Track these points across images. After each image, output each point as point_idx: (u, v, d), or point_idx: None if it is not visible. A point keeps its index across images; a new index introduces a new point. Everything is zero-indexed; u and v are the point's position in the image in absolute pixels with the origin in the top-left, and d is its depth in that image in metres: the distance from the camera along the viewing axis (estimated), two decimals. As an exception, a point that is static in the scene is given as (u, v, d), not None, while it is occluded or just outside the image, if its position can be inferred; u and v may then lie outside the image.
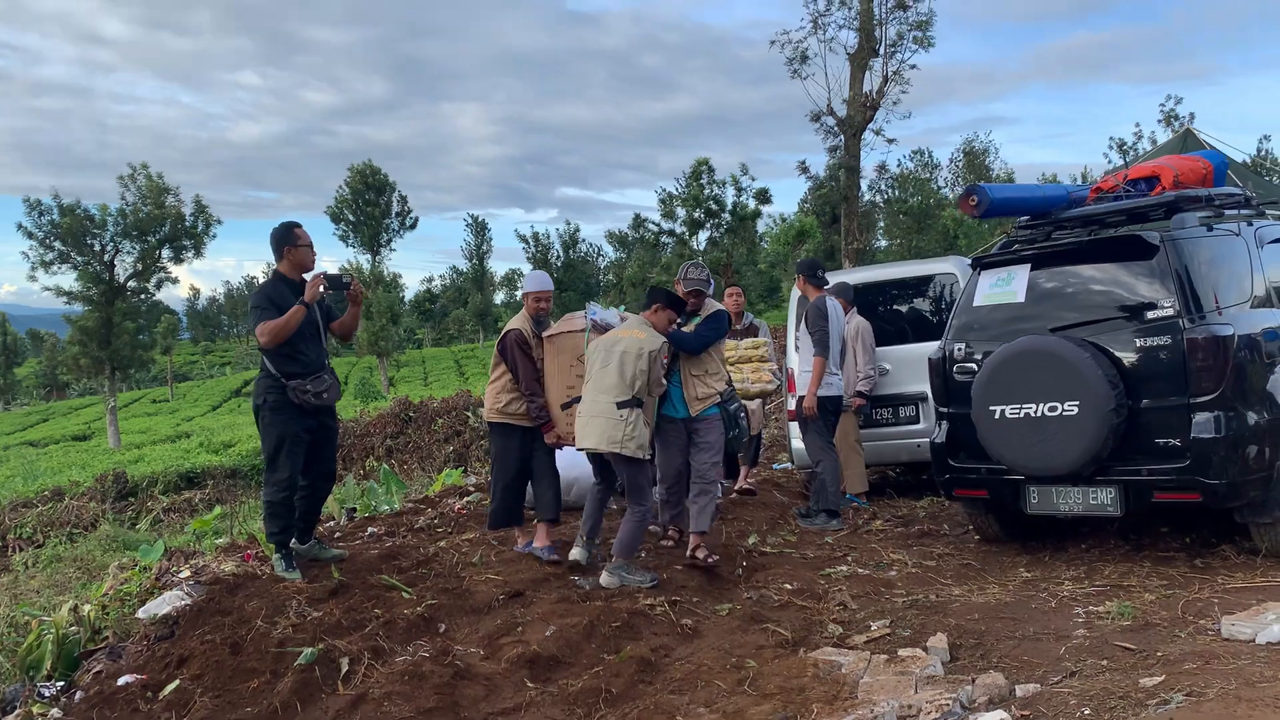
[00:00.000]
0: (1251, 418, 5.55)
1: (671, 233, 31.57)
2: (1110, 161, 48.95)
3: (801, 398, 7.88)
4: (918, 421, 8.72)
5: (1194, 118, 54.28)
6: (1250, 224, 6.47)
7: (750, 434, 8.20)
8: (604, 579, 5.91)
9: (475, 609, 5.55)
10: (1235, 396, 5.52)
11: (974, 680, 4.43)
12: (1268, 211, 6.90)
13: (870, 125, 21.55)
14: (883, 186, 54.51)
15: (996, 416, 5.97)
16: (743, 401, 6.97)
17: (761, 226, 38.76)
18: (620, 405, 5.82)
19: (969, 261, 7.41)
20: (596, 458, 6.15)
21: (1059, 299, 6.13)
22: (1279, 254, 6.62)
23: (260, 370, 5.86)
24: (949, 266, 9.24)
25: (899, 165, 51.75)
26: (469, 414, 19.00)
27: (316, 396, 5.78)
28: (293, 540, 6.01)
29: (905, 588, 6.09)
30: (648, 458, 6.02)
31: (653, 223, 31.43)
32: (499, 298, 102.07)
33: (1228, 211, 6.48)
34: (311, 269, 6.13)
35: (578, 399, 6.11)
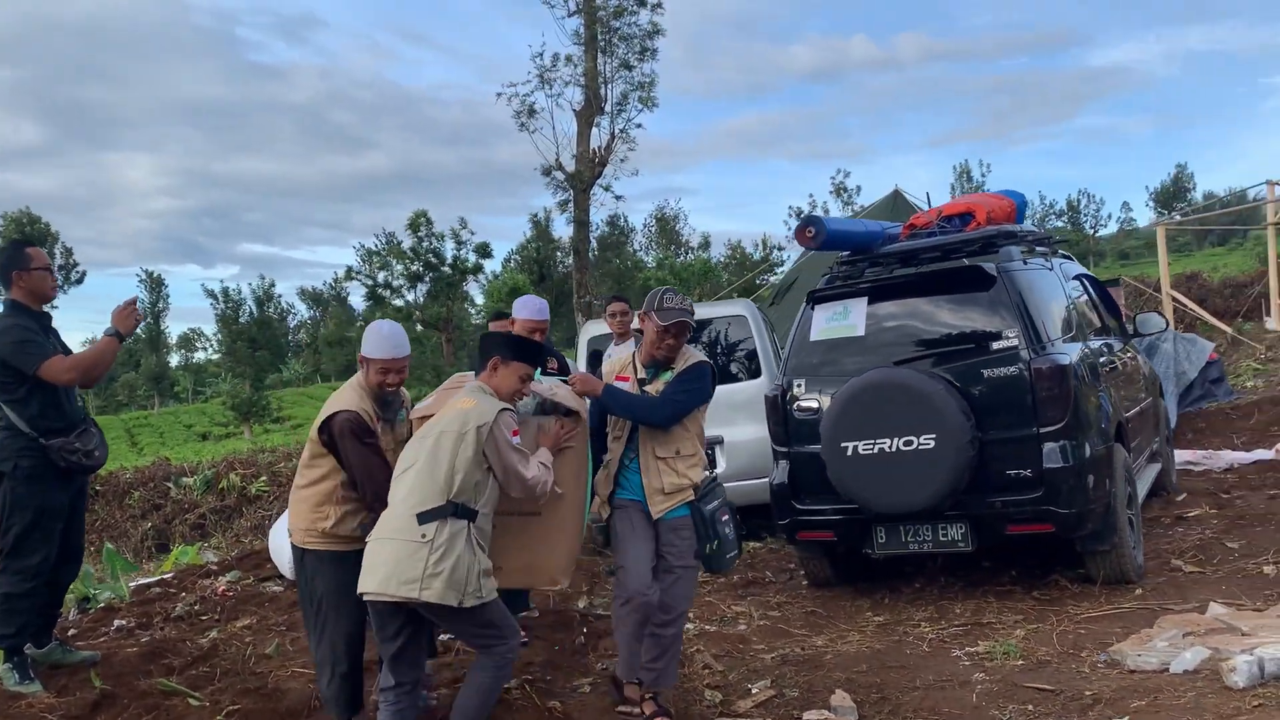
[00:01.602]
0: (1089, 447, 5.62)
1: (388, 285, 30.19)
2: (790, 229, 52.83)
3: None
4: (713, 467, 8.40)
5: (860, 189, 59.92)
6: (1052, 259, 6.72)
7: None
8: None
9: (292, 711, 4.47)
10: (1077, 426, 5.58)
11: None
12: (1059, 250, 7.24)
13: (599, 181, 21.73)
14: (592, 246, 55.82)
15: (849, 453, 5.70)
16: (726, 500, 4.54)
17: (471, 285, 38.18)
18: (423, 518, 3.58)
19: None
20: (392, 611, 3.69)
21: (899, 331, 6.01)
22: (1076, 289, 6.94)
23: (0, 428, 4.50)
24: (738, 309, 9.10)
25: (595, 230, 53.22)
26: (170, 485, 16.82)
27: (87, 456, 4.53)
28: (27, 645, 4.64)
29: (764, 641, 5.66)
30: (481, 601, 3.65)
31: (366, 276, 29.89)
32: (174, 360, 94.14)
33: (1037, 248, 6.69)
34: (53, 297, 4.86)
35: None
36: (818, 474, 5.94)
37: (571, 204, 21.55)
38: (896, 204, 17.86)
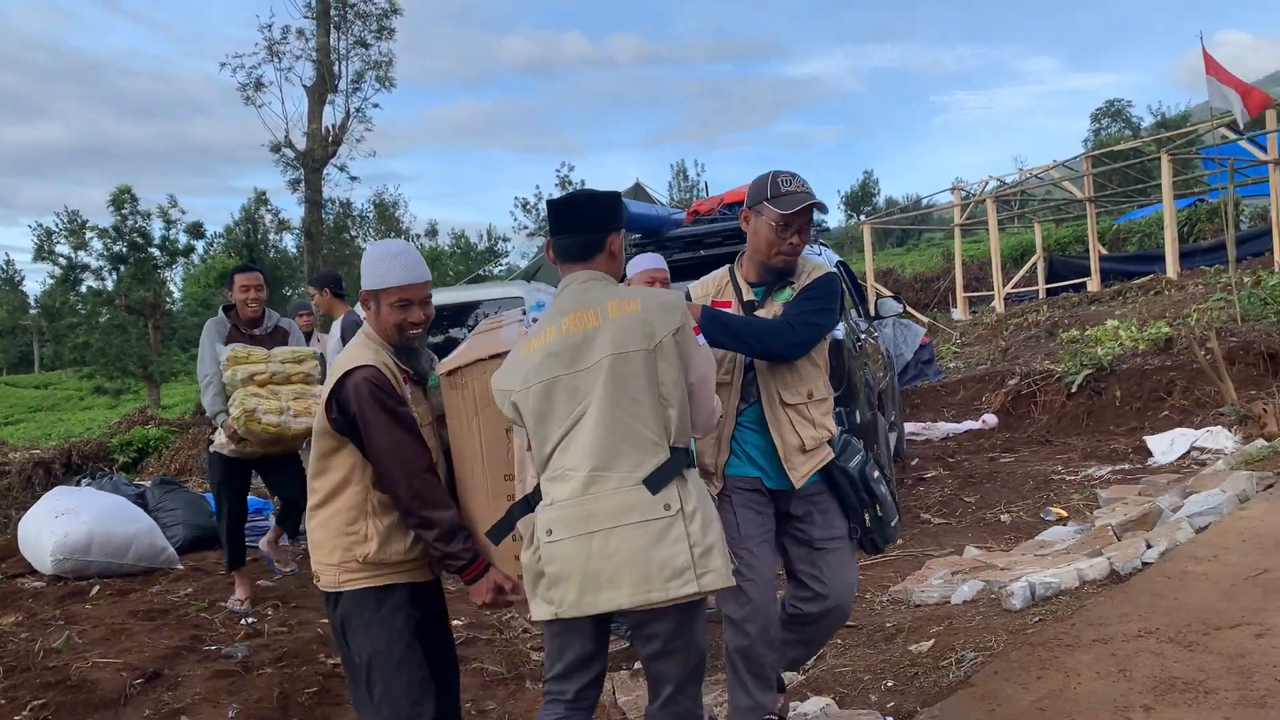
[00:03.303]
0: (859, 414, 6.22)
1: (86, 267, 27.47)
2: (518, 220, 53.11)
3: None
4: None
5: (584, 184, 61.03)
6: (818, 245, 7.36)
7: None
8: None
9: (105, 702, 4.17)
10: (850, 396, 6.16)
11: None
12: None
13: (334, 161, 20.92)
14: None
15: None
16: (868, 453, 3.39)
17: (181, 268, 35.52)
18: (655, 482, 2.45)
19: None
20: (600, 627, 2.63)
21: (697, 309, 6.38)
22: (838, 275, 7.62)
23: None
24: (514, 290, 9.23)
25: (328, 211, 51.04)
26: None
27: None
28: None
29: (573, 607, 5.85)
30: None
31: (63, 257, 26.99)
32: None
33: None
34: None
35: (525, 502, 2.68)
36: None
37: (303, 183, 20.63)
38: (638, 196, 18.66)
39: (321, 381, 5.48)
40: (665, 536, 2.40)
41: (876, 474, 3.29)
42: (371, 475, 2.79)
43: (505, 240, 53.84)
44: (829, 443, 3.25)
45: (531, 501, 2.60)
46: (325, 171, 20.97)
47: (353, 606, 2.82)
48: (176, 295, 40.30)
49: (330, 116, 20.72)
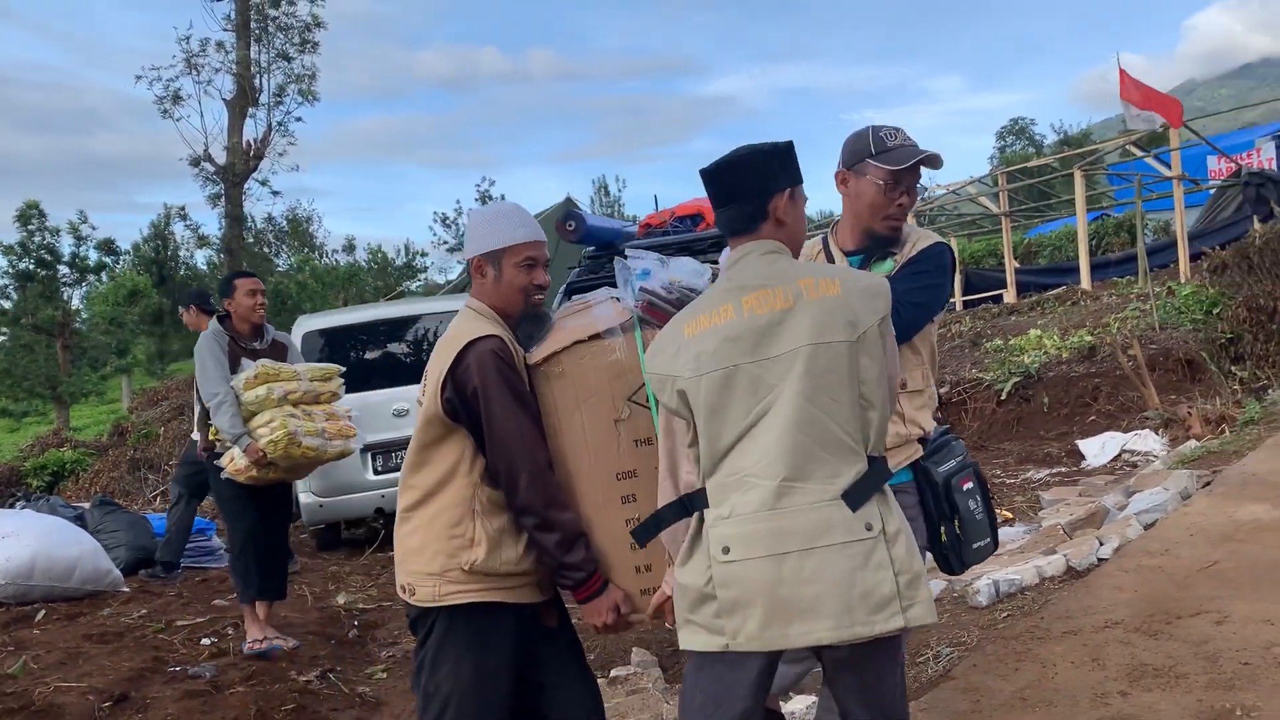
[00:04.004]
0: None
1: (-11, 285, 26.32)
2: (436, 235, 52.53)
3: None
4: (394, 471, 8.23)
5: (504, 199, 60.72)
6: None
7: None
8: None
9: (75, 728, 4.05)
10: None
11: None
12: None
13: (255, 175, 20.49)
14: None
15: (614, 434, 6.05)
16: (968, 459, 2.88)
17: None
18: (855, 496, 2.08)
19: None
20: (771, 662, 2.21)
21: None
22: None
23: None
24: (446, 305, 9.18)
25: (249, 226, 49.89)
26: None
27: None
28: None
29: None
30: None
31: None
32: None
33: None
34: None
35: (682, 504, 2.26)
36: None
37: (223, 198, 20.21)
38: (572, 210, 18.63)
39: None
40: (868, 561, 2.04)
41: (969, 485, 2.79)
42: (481, 468, 2.41)
43: (423, 255, 53.25)
44: (923, 439, 2.78)
45: (689, 505, 2.19)
46: (246, 186, 20.60)
47: (450, 627, 2.42)
48: (83, 314, 39.00)
49: (251, 130, 20.38)
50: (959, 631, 4.27)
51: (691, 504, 2.19)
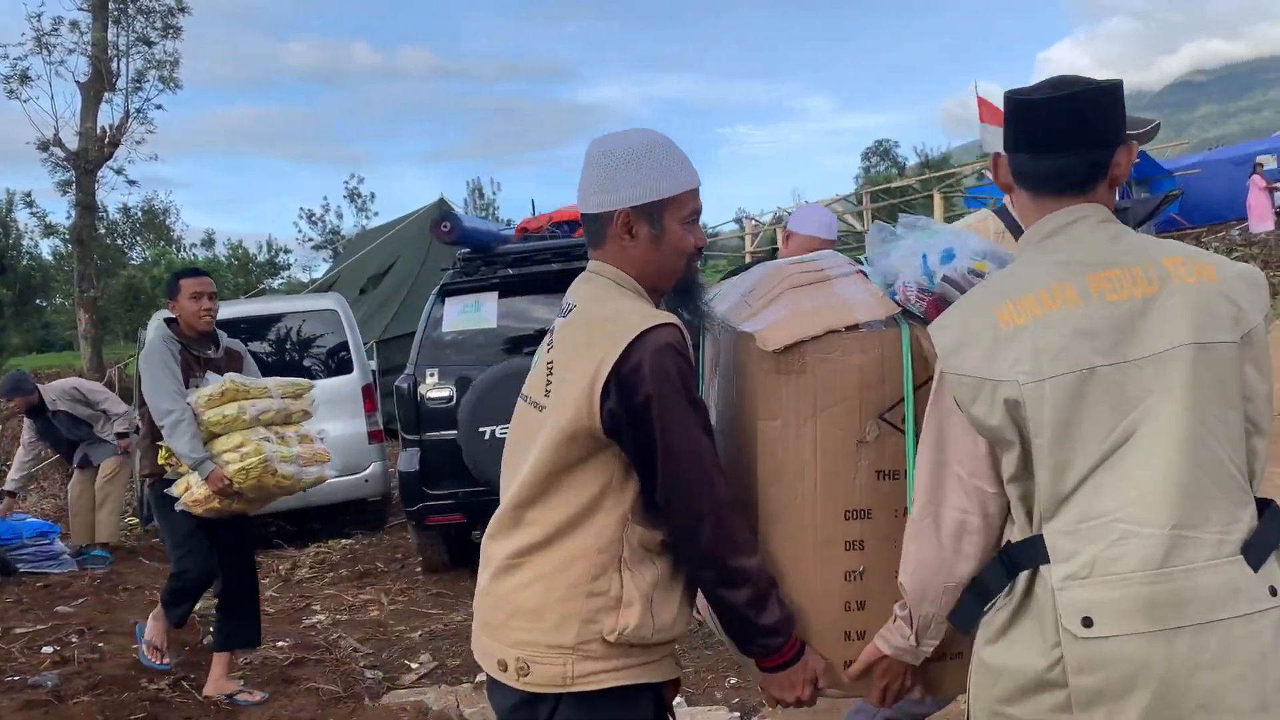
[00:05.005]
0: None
1: None
2: (302, 231, 51.03)
3: None
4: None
5: (374, 196, 59.68)
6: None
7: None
8: None
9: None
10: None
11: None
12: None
13: (110, 163, 19.51)
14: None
15: (486, 437, 6.03)
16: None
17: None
18: (1255, 550, 1.54)
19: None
20: None
21: (528, 323, 6.48)
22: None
23: None
24: (328, 303, 9.04)
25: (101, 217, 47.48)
26: None
27: None
28: None
29: (403, 623, 5.81)
30: None
31: None
32: None
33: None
34: None
35: (1009, 558, 1.65)
36: (449, 460, 6.18)
37: (74, 186, 19.15)
38: (441, 209, 18.45)
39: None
40: (1279, 639, 1.52)
41: None
42: (633, 497, 1.77)
43: (287, 252, 51.70)
44: None
45: (1016, 561, 1.61)
46: (100, 174, 19.61)
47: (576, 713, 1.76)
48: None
49: (108, 116, 19.39)
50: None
51: (1018, 559, 1.61)
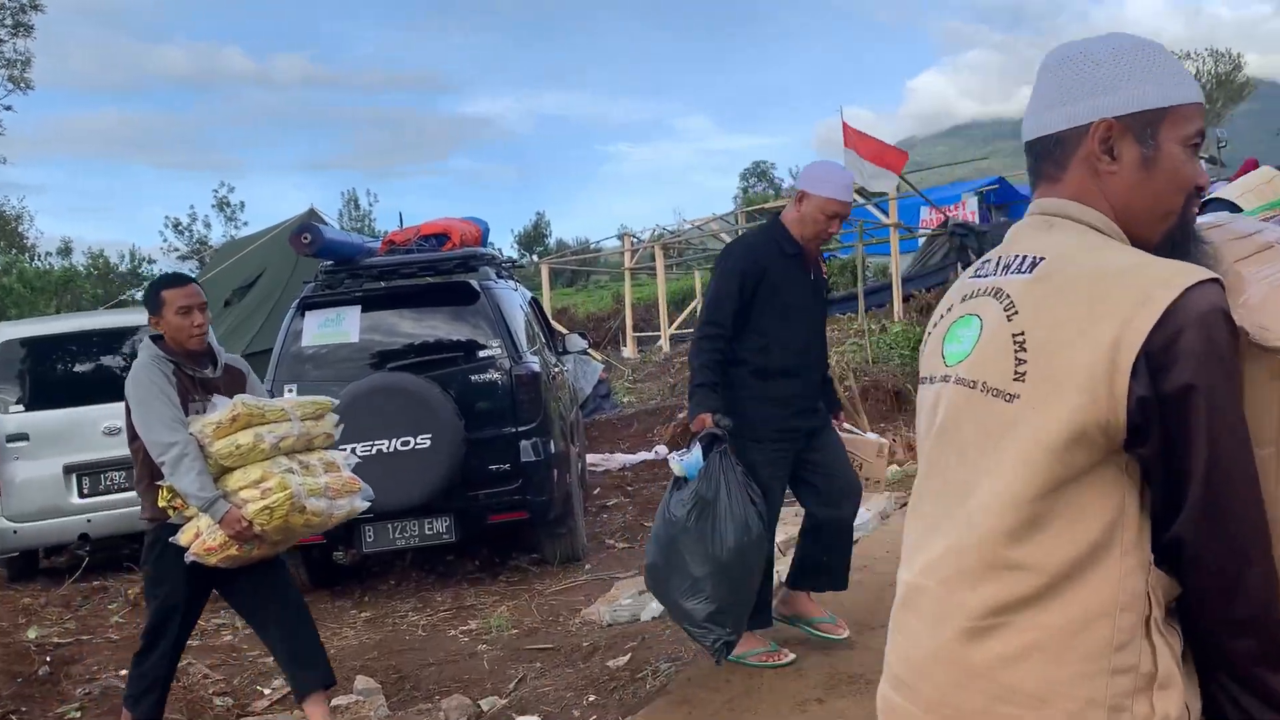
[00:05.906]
0: (554, 444, 6.48)
1: None
2: (168, 240, 49.07)
3: None
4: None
5: (244, 205, 57.82)
6: (514, 281, 7.57)
7: None
8: None
9: None
10: (546, 426, 6.40)
11: (440, 707, 4.39)
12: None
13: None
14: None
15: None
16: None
17: None
18: None
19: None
20: None
21: (391, 338, 6.36)
22: (528, 309, 7.87)
23: None
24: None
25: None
26: None
27: None
28: None
29: (256, 648, 5.57)
30: None
31: None
32: None
33: (503, 269, 7.47)
34: None
35: None
36: (309, 478, 6.01)
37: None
38: (312, 219, 17.96)
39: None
40: None
41: None
42: (1148, 537, 1.26)
43: (151, 262, 49.60)
44: None
45: None
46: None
47: None
48: None
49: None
50: (678, 647, 4.45)
51: None
